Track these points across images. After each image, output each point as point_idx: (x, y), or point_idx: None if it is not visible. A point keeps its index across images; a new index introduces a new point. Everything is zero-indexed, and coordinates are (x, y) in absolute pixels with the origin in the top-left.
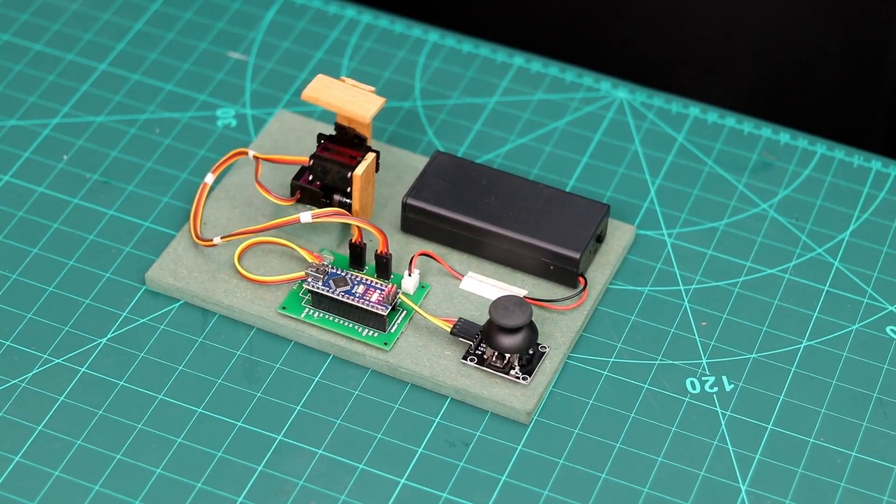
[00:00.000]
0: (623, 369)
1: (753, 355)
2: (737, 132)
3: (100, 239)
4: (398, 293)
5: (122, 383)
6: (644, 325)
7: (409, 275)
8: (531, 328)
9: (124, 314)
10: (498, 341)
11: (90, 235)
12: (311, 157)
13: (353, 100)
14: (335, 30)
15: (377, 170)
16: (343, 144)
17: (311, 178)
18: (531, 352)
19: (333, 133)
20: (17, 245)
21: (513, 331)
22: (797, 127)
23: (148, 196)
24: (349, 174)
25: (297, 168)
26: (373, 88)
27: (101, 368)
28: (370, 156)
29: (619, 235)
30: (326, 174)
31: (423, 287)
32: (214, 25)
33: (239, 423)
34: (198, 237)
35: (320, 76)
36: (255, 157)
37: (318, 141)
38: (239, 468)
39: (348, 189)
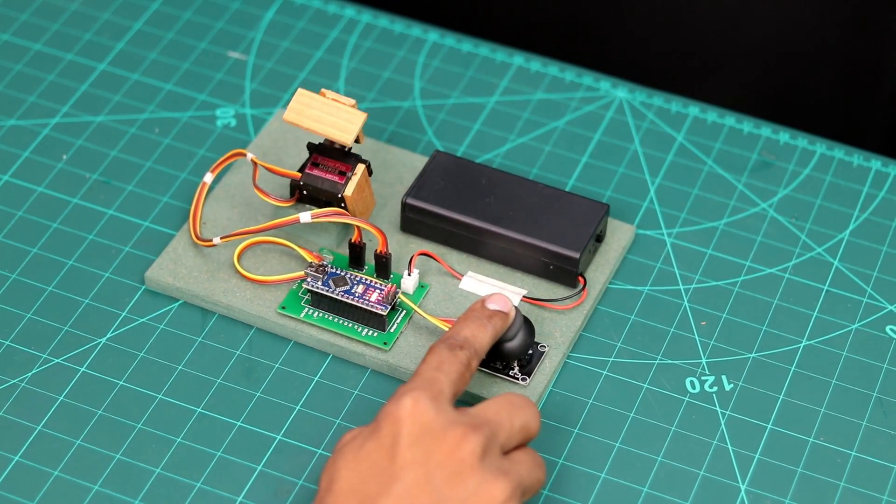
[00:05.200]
0: (623, 369)
1: (753, 355)
2: (736, 132)
3: (99, 239)
4: (398, 293)
5: (121, 383)
6: (643, 324)
7: (409, 274)
8: (527, 330)
9: (124, 314)
10: (494, 350)
11: (90, 235)
12: (301, 171)
13: (333, 119)
14: (334, 29)
15: (370, 174)
16: (333, 156)
17: (304, 193)
18: (530, 352)
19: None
20: (17, 245)
21: (506, 339)
22: (797, 127)
23: (147, 196)
24: (340, 194)
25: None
26: (354, 102)
27: (100, 368)
28: (359, 168)
29: (619, 235)
30: (318, 192)
31: (422, 287)
32: (214, 25)
33: (238, 423)
34: (197, 237)
35: (300, 92)
36: (253, 161)
37: (309, 152)
38: (238, 468)
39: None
